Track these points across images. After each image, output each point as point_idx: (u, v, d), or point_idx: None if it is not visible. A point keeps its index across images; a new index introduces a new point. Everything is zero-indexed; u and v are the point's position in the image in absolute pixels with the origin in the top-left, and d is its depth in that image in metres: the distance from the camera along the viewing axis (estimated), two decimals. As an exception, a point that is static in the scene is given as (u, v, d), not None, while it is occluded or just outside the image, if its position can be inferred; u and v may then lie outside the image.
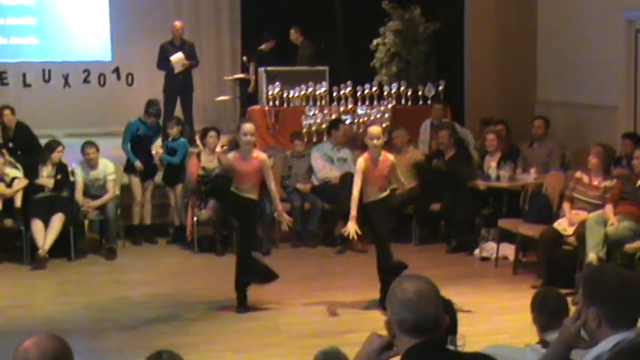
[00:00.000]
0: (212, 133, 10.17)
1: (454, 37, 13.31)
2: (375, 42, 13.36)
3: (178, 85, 12.60)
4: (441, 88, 12.03)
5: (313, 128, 11.62)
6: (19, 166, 9.88)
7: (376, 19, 13.36)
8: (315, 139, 11.43)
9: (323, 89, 11.98)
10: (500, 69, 12.98)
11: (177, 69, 12.49)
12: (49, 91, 15.12)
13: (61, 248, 9.48)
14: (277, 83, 11.93)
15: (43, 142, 10.42)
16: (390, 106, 11.92)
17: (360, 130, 11.41)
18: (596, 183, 8.34)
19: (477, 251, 9.55)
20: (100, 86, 15.35)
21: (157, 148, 10.38)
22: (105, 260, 9.64)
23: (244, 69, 14.19)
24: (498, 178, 9.61)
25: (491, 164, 9.76)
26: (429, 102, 11.99)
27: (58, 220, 9.39)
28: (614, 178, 8.30)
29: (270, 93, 11.93)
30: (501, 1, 13.07)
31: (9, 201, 9.48)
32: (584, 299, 2.97)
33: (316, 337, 6.73)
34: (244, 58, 14.25)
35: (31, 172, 9.69)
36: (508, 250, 9.20)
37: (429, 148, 11.14)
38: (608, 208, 7.95)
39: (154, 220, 10.50)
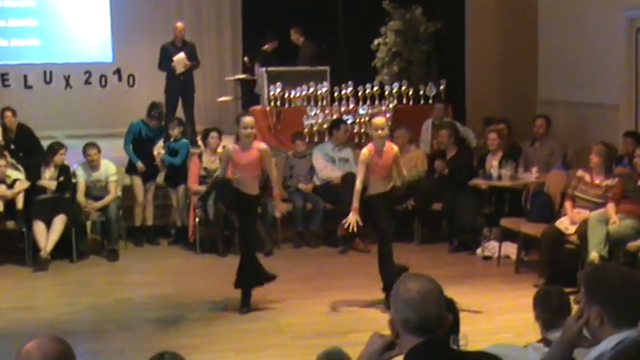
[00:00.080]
0: (214, 134, 10.17)
1: (455, 37, 13.31)
2: (376, 42, 13.35)
3: (180, 86, 12.60)
4: (442, 87, 12.02)
5: (315, 128, 11.61)
6: (20, 167, 9.87)
7: (377, 18, 13.35)
8: (316, 139, 11.41)
9: (324, 89, 11.96)
10: (501, 68, 12.99)
11: (179, 70, 12.49)
12: (50, 93, 15.14)
13: (62, 250, 9.47)
14: (279, 83, 11.93)
15: (44, 143, 10.41)
16: (391, 105, 11.91)
17: (362, 130, 11.44)
18: (597, 182, 8.33)
19: (479, 250, 9.54)
20: (102, 87, 15.36)
21: (158, 149, 10.37)
22: (107, 261, 9.63)
23: (245, 69, 14.19)
24: (500, 177, 9.60)
25: (493, 163, 9.75)
26: (430, 101, 11.98)
27: (59, 222, 9.38)
28: (615, 176, 8.28)
29: (271, 93, 11.93)
30: (502, 1, 13.07)
31: (11, 203, 9.47)
32: (586, 298, 2.96)
33: (319, 337, 6.71)
34: (245, 58, 14.25)
35: (32, 174, 9.68)
36: (510, 249, 9.18)
37: (430, 147, 11.14)
38: (610, 207, 7.94)
39: (155, 221, 10.48)
